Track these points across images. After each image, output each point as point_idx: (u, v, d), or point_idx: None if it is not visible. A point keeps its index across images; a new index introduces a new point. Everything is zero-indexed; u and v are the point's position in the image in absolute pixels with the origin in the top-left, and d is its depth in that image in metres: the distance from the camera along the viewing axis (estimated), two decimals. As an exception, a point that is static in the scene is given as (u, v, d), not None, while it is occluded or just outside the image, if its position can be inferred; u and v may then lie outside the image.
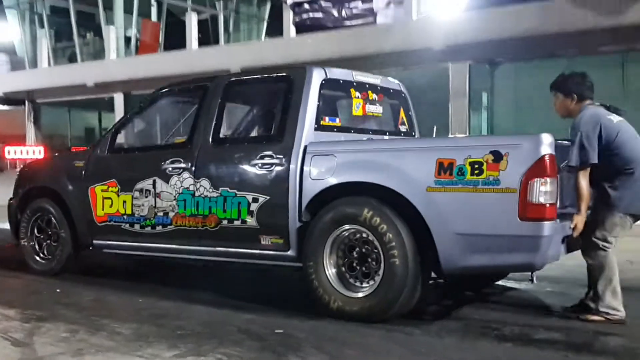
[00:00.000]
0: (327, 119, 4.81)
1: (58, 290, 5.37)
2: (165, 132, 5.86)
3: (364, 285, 4.32)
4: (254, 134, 5.60)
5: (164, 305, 4.85)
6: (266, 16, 22.11)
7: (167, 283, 5.67)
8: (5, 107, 24.34)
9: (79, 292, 5.34)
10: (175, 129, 5.68)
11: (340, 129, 4.89)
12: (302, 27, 15.12)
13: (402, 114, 5.60)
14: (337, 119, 4.95)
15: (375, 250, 4.25)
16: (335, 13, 14.71)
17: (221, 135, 5.09)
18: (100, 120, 19.51)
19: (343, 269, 4.41)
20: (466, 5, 13.65)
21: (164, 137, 5.75)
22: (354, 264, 4.38)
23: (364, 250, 4.34)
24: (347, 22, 14.55)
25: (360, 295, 4.30)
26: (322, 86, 4.73)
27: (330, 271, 4.41)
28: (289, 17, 15.37)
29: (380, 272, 4.21)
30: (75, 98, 17.40)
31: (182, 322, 4.33)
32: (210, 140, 5.03)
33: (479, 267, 4.00)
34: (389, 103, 5.50)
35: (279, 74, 5.05)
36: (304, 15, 15.03)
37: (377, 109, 5.27)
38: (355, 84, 5.07)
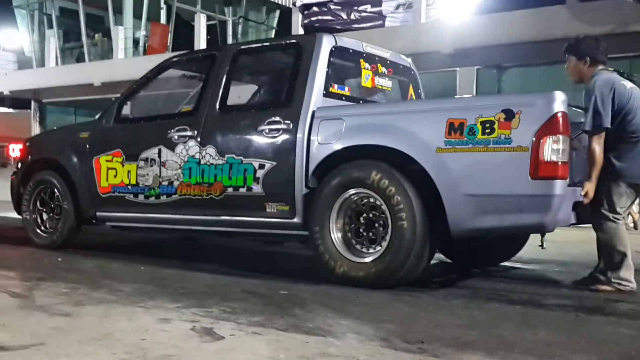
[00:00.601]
0: (336, 86, 4.74)
1: (59, 259, 5.30)
2: (172, 102, 5.80)
3: (371, 250, 4.24)
4: (261, 101, 5.56)
5: (167, 271, 4.78)
6: (275, 22, 22.18)
7: (170, 254, 5.62)
8: (11, 110, 24.44)
9: (81, 260, 5.28)
10: (183, 99, 5.63)
11: (349, 98, 4.82)
12: (311, 30, 15.14)
13: (411, 90, 5.55)
14: (346, 88, 4.89)
15: (383, 215, 4.18)
16: (344, 16, 14.72)
17: (228, 103, 5.03)
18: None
19: (349, 234, 4.33)
20: (475, 9, 13.67)
21: (170, 107, 5.68)
22: (361, 229, 4.31)
23: (371, 215, 4.26)
24: (356, 25, 14.56)
25: (367, 260, 4.21)
26: (331, 53, 4.68)
27: (336, 235, 4.33)
28: (297, 19, 15.37)
29: (388, 236, 4.12)
30: (82, 98, 17.39)
31: (185, 284, 4.26)
32: (217, 107, 4.98)
33: (488, 228, 3.91)
34: (398, 79, 5.46)
35: (288, 41, 5.02)
36: (313, 18, 15.04)
37: (386, 83, 5.21)
38: (365, 54, 5.02)
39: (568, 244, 6.78)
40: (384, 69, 5.18)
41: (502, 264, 5.36)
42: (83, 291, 3.96)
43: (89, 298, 3.77)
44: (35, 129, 18.80)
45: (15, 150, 16.21)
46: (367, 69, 5.02)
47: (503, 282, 4.57)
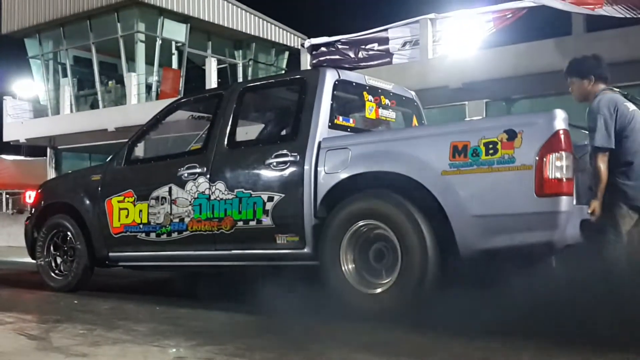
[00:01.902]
0: (340, 118, 4.82)
1: (75, 302, 5.32)
2: (181, 142, 5.89)
3: (383, 281, 4.23)
4: (268, 135, 5.63)
5: (181, 310, 4.79)
6: (284, 63, 22.50)
7: (183, 293, 5.62)
8: (27, 158, 24.81)
9: (96, 302, 5.29)
10: (192, 139, 5.71)
11: (354, 130, 4.88)
12: (319, 70, 15.35)
13: (415, 121, 5.60)
14: (351, 120, 4.96)
15: (392, 244, 4.18)
16: (352, 55, 14.91)
17: (236, 139, 5.11)
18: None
19: (360, 265, 4.33)
20: (481, 43, 13.79)
21: (180, 147, 5.77)
22: (372, 260, 4.31)
23: (381, 246, 4.27)
24: (364, 64, 14.74)
25: (378, 291, 4.20)
26: (335, 87, 4.76)
27: (347, 267, 4.33)
28: (306, 60, 15.60)
29: (398, 266, 4.12)
30: (97, 143, 17.67)
31: (199, 322, 4.26)
32: (226, 144, 5.06)
33: (498, 249, 3.90)
34: (401, 110, 5.52)
35: (293, 77, 5.11)
36: (321, 58, 15.25)
37: (390, 114, 5.28)
38: (367, 87, 5.10)
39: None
40: (387, 101, 5.25)
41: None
42: (99, 332, 3.96)
43: (105, 338, 3.77)
44: (51, 175, 19.06)
45: (31, 196, 16.41)
46: (371, 101, 5.10)
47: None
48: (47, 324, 4.33)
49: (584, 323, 3.52)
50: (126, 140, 5.83)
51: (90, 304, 5.17)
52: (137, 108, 17.02)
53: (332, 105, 4.71)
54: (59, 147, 19.74)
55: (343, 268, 4.32)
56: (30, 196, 16.38)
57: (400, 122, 5.47)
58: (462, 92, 12.92)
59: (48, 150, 19.83)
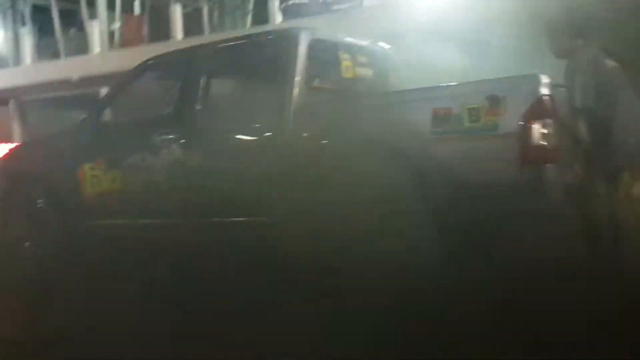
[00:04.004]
0: (316, 80, 4.69)
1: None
2: (151, 106, 5.71)
3: None
4: (244, 100, 5.45)
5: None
6: (250, 7, 21.90)
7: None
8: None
9: None
10: (162, 101, 5.54)
11: (331, 91, 4.76)
12: (288, 13, 14.96)
13: (391, 77, 5.46)
14: (327, 81, 4.83)
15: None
16: (320, -3, 14.55)
17: (209, 104, 4.95)
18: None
19: None
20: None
21: (149, 110, 5.59)
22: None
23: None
24: (334, 7, 14.39)
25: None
26: (309, 47, 4.61)
27: None
28: (274, 3, 15.20)
29: None
30: (61, 94, 17.19)
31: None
32: (198, 109, 4.90)
33: (480, 220, 3.86)
34: (378, 66, 5.38)
35: (266, 37, 4.94)
36: (290, 2, 14.88)
37: (366, 72, 5.14)
38: (343, 45, 4.95)
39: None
40: (363, 58, 5.10)
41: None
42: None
43: None
44: (16, 128, 18.51)
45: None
46: (347, 60, 4.95)
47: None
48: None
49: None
50: (91, 90, 5.65)
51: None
52: (101, 57, 16.54)
53: (307, 67, 4.57)
54: (23, 99, 19.16)
55: None
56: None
57: (378, 78, 5.28)
58: (437, 35, 12.66)
59: (11, 102, 19.23)
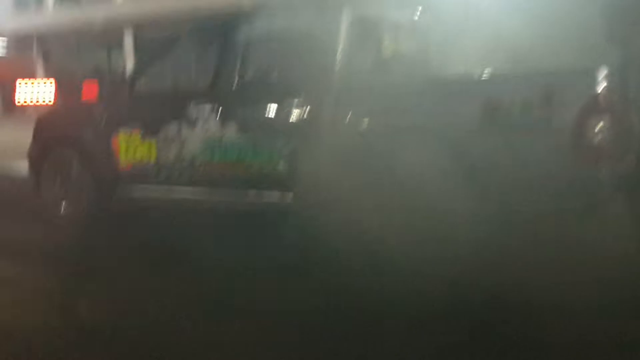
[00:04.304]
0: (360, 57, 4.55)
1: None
2: (188, 75, 5.62)
3: None
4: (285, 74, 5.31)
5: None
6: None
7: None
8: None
9: None
10: (199, 72, 5.45)
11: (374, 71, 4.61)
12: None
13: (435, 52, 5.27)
14: (369, 59, 4.70)
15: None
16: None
17: (249, 77, 4.87)
18: (110, 57, 18.94)
19: None
20: None
21: (187, 81, 5.51)
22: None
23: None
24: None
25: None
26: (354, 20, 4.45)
27: None
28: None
29: None
30: (83, 38, 17.02)
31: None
32: (237, 81, 4.83)
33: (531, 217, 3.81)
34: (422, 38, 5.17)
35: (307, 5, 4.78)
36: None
37: (409, 47, 4.96)
38: (386, 20, 4.78)
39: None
40: (406, 32, 4.93)
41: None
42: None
43: None
44: (40, 66, 18.37)
45: (21, 92, 15.41)
46: (389, 36, 4.80)
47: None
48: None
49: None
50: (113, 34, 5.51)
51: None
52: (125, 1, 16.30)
53: (351, 43, 4.43)
54: (46, 43, 19.04)
55: None
56: (20, 90, 15.41)
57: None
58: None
59: (35, 46, 19.10)
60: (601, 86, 3.60)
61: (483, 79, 4.07)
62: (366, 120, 4.28)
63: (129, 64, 13.07)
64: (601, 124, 3.58)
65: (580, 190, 3.62)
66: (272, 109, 4.66)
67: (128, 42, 15.43)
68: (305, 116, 4.47)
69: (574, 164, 3.59)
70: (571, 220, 3.85)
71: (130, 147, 5.34)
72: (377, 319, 3.15)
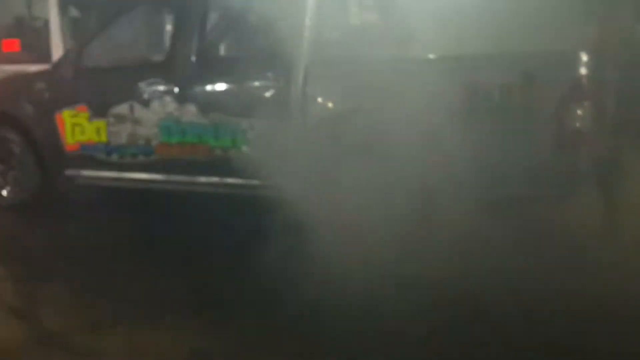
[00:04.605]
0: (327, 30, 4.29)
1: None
2: (140, 48, 5.23)
3: None
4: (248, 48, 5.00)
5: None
6: None
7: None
8: None
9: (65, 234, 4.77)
10: (152, 44, 5.08)
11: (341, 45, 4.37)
12: None
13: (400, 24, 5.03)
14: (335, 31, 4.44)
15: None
16: None
17: (207, 52, 4.56)
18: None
19: None
20: None
21: (138, 54, 5.12)
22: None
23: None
24: None
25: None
26: None
27: None
28: None
29: None
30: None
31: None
32: (195, 57, 4.51)
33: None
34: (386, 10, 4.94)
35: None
36: None
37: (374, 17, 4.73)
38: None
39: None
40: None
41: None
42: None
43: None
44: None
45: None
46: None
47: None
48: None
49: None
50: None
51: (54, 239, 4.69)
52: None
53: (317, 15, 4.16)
54: None
55: None
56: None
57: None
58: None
59: None
60: (579, 69, 3.49)
61: (458, 58, 3.87)
62: (337, 97, 4.06)
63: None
64: (580, 107, 3.47)
65: (558, 175, 3.53)
66: (235, 86, 4.35)
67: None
68: (272, 94, 4.19)
69: (553, 148, 3.49)
70: (548, 205, 3.77)
71: (77, 127, 4.98)
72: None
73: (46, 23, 12.20)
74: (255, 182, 4.28)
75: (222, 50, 4.83)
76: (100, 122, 4.85)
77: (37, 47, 11.88)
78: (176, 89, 4.52)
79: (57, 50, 11.77)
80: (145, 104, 4.63)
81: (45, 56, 11.82)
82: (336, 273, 3.23)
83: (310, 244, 3.50)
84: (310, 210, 3.82)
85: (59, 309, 3.41)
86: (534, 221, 3.79)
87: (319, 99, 4.11)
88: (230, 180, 4.47)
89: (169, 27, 4.83)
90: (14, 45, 11.98)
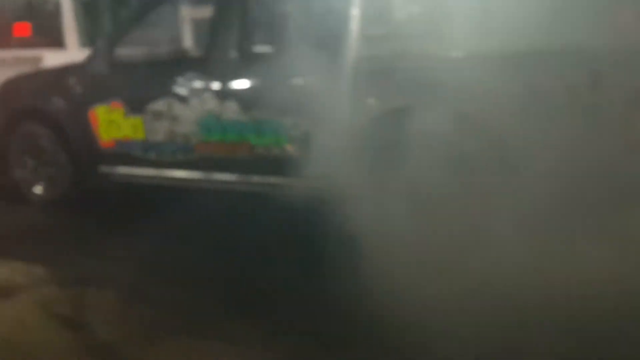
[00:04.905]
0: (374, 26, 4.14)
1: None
2: (177, 42, 5.09)
3: None
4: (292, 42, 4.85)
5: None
6: None
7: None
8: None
9: (98, 231, 4.67)
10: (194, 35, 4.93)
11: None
12: None
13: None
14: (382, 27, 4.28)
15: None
16: None
17: (250, 46, 4.41)
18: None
19: None
20: None
21: (175, 48, 4.98)
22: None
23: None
24: None
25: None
26: None
27: None
28: None
29: None
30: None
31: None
32: (236, 52, 4.37)
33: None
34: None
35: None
36: None
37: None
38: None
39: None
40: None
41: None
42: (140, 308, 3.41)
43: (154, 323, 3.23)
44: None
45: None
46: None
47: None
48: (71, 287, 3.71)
49: None
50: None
51: (93, 236, 4.57)
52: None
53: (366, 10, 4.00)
54: None
55: None
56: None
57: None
58: None
59: None
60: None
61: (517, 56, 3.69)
62: (387, 95, 3.91)
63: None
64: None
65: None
66: (279, 82, 4.19)
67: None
68: (319, 91, 4.04)
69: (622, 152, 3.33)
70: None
71: (112, 124, 4.86)
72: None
73: (56, 6, 12.07)
74: (299, 182, 4.15)
75: (264, 44, 4.67)
76: (136, 119, 4.73)
77: (49, 30, 11.76)
78: (216, 85, 4.38)
79: (69, 34, 11.64)
80: (184, 100, 4.50)
81: (57, 40, 11.70)
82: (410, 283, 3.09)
83: (367, 253, 3.37)
84: (358, 213, 3.71)
85: (109, 317, 3.31)
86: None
87: (369, 96, 3.95)
88: (272, 179, 4.35)
89: (208, 20, 4.64)
90: (25, 29, 11.80)
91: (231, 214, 4.73)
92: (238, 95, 4.34)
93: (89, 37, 11.71)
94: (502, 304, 2.90)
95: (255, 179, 4.42)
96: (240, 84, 4.35)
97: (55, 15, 11.80)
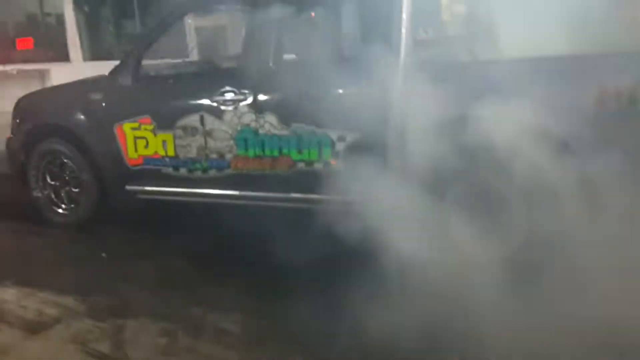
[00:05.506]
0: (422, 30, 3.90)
1: (104, 255, 4.46)
2: (208, 54, 4.83)
3: None
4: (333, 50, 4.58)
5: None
6: None
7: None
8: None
9: (129, 255, 4.39)
10: (222, 49, 4.68)
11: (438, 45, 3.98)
12: None
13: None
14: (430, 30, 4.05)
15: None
16: None
17: (292, 52, 4.16)
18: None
19: None
20: None
21: (206, 60, 4.72)
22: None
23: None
24: None
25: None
26: None
27: None
28: None
29: None
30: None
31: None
32: (272, 62, 4.11)
33: None
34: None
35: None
36: None
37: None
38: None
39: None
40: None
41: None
42: (184, 340, 3.14)
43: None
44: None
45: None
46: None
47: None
48: (105, 321, 3.39)
49: None
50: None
51: (124, 260, 4.29)
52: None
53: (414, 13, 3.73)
54: None
55: None
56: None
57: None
58: None
59: None
60: None
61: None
62: (440, 103, 3.63)
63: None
64: None
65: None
66: (320, 93, 3.92)
67: None
68: (365, 102, 3.77)
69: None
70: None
71: (140, 140, 4.60)
72: None
73: (59, 19, 11.84)
74: (343, 199, 3.87)
75: (303, 54, 4.40)
76: (166, 135, 4.47)
77: (52, 44, 11.52)
78: (252, 98, 4.12)
79: (74, 48, 11.37)
80: (218, 114, 4.24)
81: (62, 54, 11.43)
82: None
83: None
84: (406, 233, 3.43)
85: (151, 353, 3.04)
86: None
87: (419, 106, 3.68)
88: (313, 196, 4.08)
89: (247, 25, 4.37)
90: (27, 43, 11.56)
91: (268, 233, 4.42)
92: (277, 107, 4.07)
93: (93, 50, 11.48)
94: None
95: (295, 195, 4.15)
96: (279, 95, 4.08)
97: (59, 29, 11.57)
